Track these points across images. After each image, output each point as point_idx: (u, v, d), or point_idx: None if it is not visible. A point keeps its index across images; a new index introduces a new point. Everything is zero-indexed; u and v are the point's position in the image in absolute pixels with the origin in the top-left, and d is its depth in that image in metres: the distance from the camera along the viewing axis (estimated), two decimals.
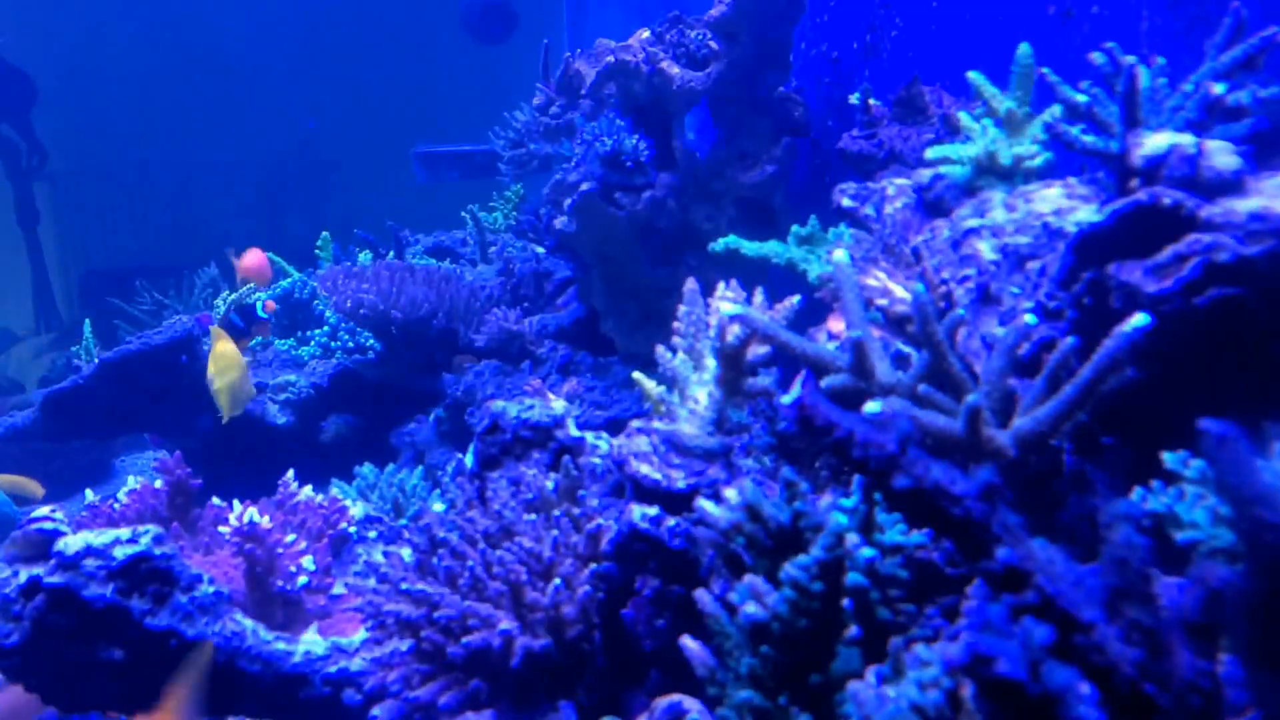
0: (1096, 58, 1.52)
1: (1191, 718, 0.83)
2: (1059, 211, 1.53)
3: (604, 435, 1.68)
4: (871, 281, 1.59)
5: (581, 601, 1.32)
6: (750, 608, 0.98)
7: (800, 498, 1.08)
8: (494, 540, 1.41)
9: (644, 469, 1.41)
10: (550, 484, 1.48)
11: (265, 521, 1.78)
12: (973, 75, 1.80)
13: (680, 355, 1.56)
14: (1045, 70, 1.56)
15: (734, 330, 1.47)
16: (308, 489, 2.06)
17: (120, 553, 1.52)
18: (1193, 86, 1.43)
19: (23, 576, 1.53)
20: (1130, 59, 1.44)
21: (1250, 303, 1.16)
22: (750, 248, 2.11)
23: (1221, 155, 1.25)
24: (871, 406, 1.23)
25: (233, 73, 7.77)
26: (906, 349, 1.44)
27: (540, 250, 3.40)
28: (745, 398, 1.50)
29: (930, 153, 1.82)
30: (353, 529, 2.03)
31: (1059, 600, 0.82)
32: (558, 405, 1.66)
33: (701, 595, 1.08)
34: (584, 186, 2.62)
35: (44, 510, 1.62)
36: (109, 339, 4.11)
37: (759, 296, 1.57)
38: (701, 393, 1.52)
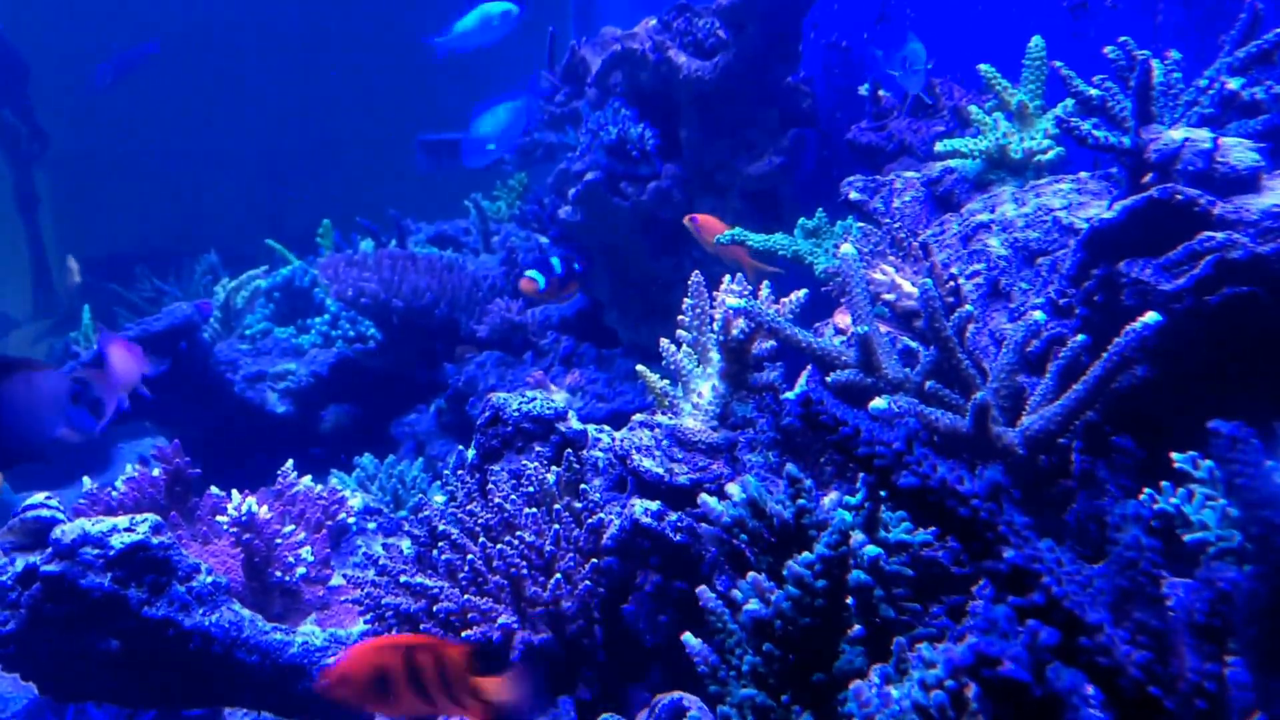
0: (1110, 52, 1.50)
1: None
2: (1070, 207, 1.52)
3: (606, 428, 1.67)
4: (879, 276, 1.57)
5: (582, 596, 1.31)
6: (753, 605, 0.97)
7: (804, 494, 1.07)
8: (494, 534, 1.40)
9: (646, 463, 1.40)
10: (552, 477, 1.47)
11: (264, 512, 1.77)
12: (984, 68, 1.77)
13: (684, 348, 1.54)
14: (1058, 64, 1.53)
15: (739, 324, 1.46)
16: (307, 479, 2.05)
17: (117, 541, 1.51)
18: (1207, 81, 1.41)
19: (19, 564, 1.52)
20: (1144, 53, 1.42)
21: (1264, 301, 1.14)
22: (756, 240, 2.09)
23: (1237, 151, 1.23)
24: (878, 403, 1.22)
25: (233, 58, 7.74)
26: (914, 344, 1.43)
27: (544, 240, 3.38)
28: (750, 392, 1.48)
29: (940, 146, 1.80)
30: (352, 520, 2.02)
31: (1065, 601, 0.81)
32: (559, 398, 1.65)
33: (704, 592, 1.07)
34: (588, 176, 2.60)
35: (40, 497, 1.61)
36: (108, 325, 4.09)
37: (765, 290, 1.56)
38: (705, 386, 1.50)
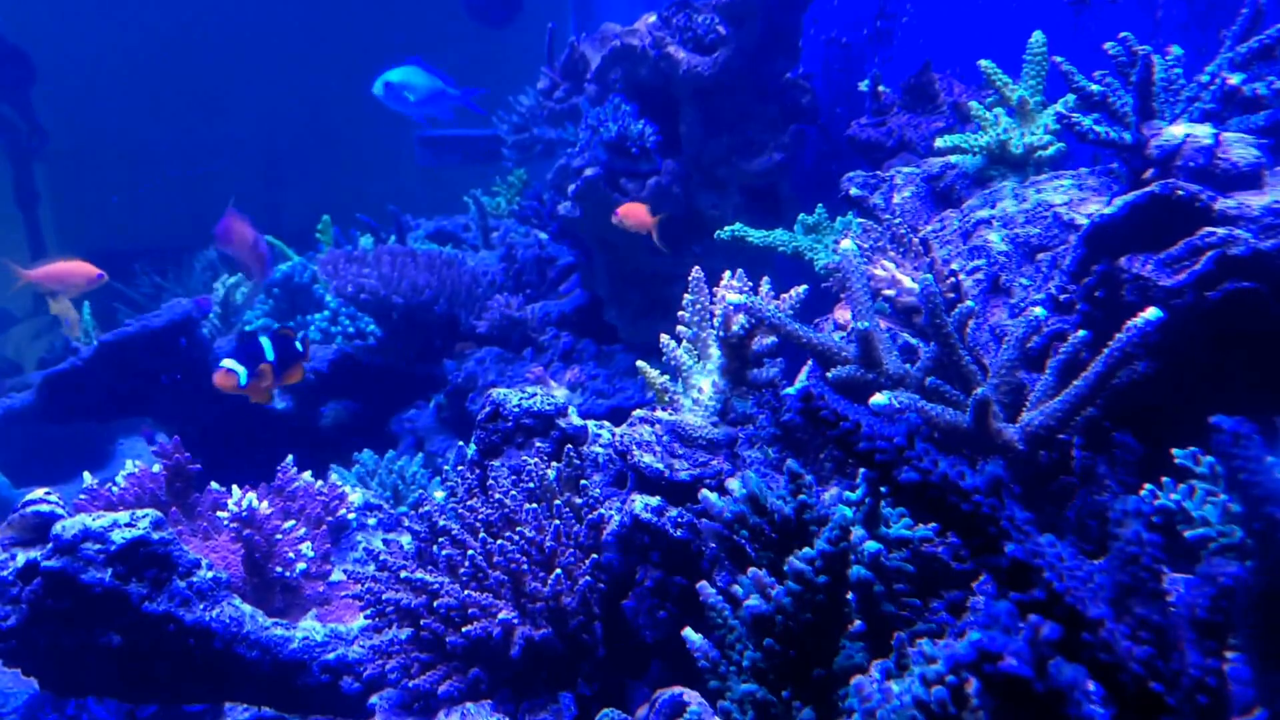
0: (1111, 47, 1.50)
1: (1199, 716, 0.82)
2: (1071, 202, 1.51)
3: (606, 424, 1.67)
4: (879, 271, 1.57)
5: (582, 591, 1.31)
6: (753, 600, 0.97)
7: (805, 490, 1.07)
8: (495, 529, 1.40)
9: (647, 459, 1.40)
10: (552, 473, 1.47)
11: (264, 507, 1.77)
12: (984, 63, 1.77)
13: (684, 344, 1.54)
14: (1059, 59, 1.53)
15: (739, 320, 1.46)
16: (307, 475, 2.05)
17: (118, 537, 1.51)
18: (1209, 77, 1.41)
19: (20, 559, 1.52)
20: (1145, 48, 1.42)
21: (1264, 297, 1.14)
22: (756, 236, 2.09)
23: (1238, 147, 1.23)
24: (878, 399, 1.22)
25: (234, 54, 7.73)
26: (914, 340, 1.43)
27: (543, 236, 3.38)
28: (750, 388, 1.48)
29: (941, 142, 1.80)
30: (352, 516, 2.02)
31: (1066, 597, 0.81)
32: (560, 393, 1.65)
33: (704, 587, 1.07)
34: (588, 172, 2.60)
35: (40, 492, 1.61)
36: (108, 321, 4.09)
37: (765, 285, 1.56)
38: (705, 382, 1.50)
